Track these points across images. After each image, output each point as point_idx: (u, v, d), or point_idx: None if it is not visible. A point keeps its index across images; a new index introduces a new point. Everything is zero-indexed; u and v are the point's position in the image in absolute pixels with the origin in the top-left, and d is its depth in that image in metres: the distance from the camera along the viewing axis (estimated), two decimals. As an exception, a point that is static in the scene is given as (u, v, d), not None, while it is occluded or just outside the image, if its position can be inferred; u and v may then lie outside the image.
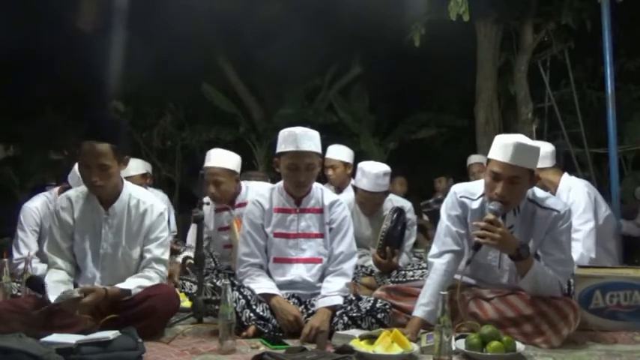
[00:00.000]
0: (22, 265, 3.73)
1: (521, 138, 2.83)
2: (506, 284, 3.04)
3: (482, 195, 2.97)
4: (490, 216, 2.76)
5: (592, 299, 3.09)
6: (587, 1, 5.95)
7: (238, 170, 4.21)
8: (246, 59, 8.67)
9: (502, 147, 2.80)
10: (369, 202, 4.20)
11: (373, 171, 4.11)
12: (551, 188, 3.87)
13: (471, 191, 3.03)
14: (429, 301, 2.84)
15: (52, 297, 2.84)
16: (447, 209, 3.05)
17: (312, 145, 3.21)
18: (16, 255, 4.00)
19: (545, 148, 3.89)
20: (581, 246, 3.66)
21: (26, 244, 4.01)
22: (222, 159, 4.14)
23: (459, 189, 3.06)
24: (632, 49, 7.41)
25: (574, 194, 3.80)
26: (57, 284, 2.94)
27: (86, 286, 2.94)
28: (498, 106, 7.51)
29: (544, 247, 2.92)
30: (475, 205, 2.99)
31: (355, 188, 4.27)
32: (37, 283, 3.13)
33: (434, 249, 3.03)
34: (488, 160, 2.87)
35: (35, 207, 4.10)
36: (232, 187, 4.16)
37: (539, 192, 2.99)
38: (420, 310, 2.86)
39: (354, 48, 8.66)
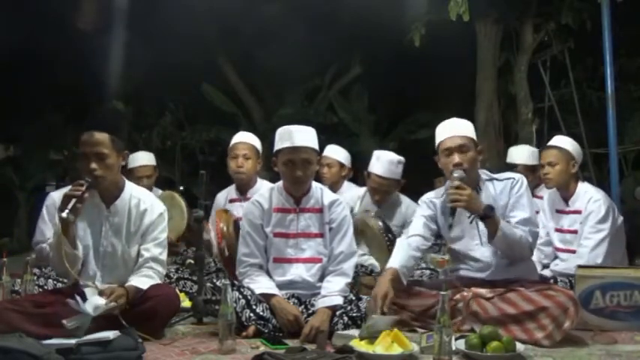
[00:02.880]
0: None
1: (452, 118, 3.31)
2: (494, 261, 3.16)
3: (444, 193, 3.25)
4: (456, 182, 3.04)
5: (592, 299, 3.11)
6: (587, 1, 5.94)
7: (259, 154, 4.35)
8: (246, 59, 8.66)
9: (442, 129, 3.26)
10: (381, 188, 4.27)
11: (388, 157, 4.28)
12: (567, 194, 3.88)
13: (434, 194, 3.39)
14: (396, 260, 3.14)
15: (89, 308, 2.75)
16: (418, 212, 3.42)
17: (308, 140, 3.21)
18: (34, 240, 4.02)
19: (577, 147, 4.00)
20: (587, 252, 3.66)
21: (42, 231, 3.97)
22: (250, 137, 4.39)
23: (425, 197, 3.43)
24: (632, 49, 7.39)
25: (592, 205, 3.76)
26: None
27: (112, 286, 2.93)
28: (498, 106, 7.48)
29: (508, 211, 3.16)
30: (440, 200, 3.32)
31: (369, 174, 4.33)
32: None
33: (403, 236, 3.37)
34: (438, 148, 3.25)
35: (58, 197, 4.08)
36: (256, 167, 4.29)
37: (495, 174, 3.33)
38: (392, 262, 3.13)
39: (354, 48, 8.64)
